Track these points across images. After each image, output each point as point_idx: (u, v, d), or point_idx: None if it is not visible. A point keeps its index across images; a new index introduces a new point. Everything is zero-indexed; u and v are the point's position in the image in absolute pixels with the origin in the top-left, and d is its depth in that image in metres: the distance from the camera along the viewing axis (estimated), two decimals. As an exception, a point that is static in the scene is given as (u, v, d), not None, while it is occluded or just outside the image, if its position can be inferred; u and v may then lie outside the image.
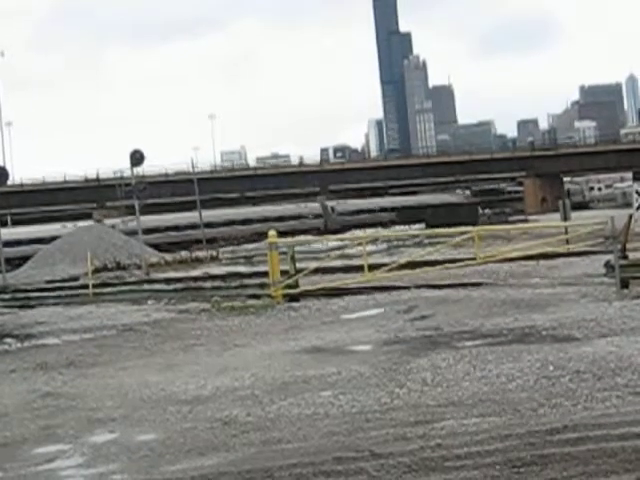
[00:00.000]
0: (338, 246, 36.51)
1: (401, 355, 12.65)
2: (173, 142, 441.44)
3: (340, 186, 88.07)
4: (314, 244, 37.95)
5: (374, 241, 39.67)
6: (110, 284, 27.91)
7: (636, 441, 7.56)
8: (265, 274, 23.13)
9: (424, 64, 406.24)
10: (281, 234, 23.55)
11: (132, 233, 45.41)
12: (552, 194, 78.86)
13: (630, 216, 21.56)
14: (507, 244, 30.12)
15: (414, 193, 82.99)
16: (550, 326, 14.11)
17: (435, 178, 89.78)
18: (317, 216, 69.43)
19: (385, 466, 7.44)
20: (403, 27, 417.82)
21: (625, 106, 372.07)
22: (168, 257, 43.05)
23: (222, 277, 28.62)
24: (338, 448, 8.10)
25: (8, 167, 47.18)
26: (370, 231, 51.01)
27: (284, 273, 21.69)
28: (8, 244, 41.46)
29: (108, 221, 59.16)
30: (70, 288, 27.45)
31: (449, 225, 31.42)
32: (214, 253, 44.22)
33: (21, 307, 23.93)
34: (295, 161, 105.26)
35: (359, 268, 23.36)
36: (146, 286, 26.35)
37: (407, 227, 59.32)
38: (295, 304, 20.31)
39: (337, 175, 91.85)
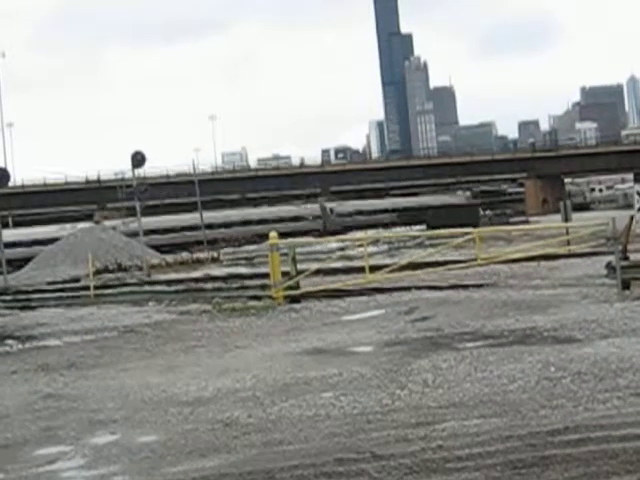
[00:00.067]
0: (339, 247, 36.55)
1: (402, 356, 12.65)
2: (174, 143, 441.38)
3: (341, 187, 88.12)
4: (315, 245, 37.98)
5: (375, 242, 39.68)
6: (111, 285, 27.96)
7: (637, 442, 7.56)
8: (266, 275, 23.14)
9: (425, 65, 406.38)
10: (280, 235, 23.53)
11: (133, 234, 45.46)
12: (553, 195, 78.86)
13: (631, 217, 21.58)
14: (508, 245, 30.10)
15: (415, 194, 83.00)
16: (551, 327, 14.10)
17: (436, 179, 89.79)
18: (316, 217, 69.45)
19: (386, 467, 7.44)
20: (404, 28, 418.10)
21: (626, 107, 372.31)
22: (169, 258, 43.07)
23: (223, 278, 28.66)
24: (339, 449, 8.10)
25: (9, 168, 47.20)
26: (371, 232, 51.02)
27: (285, 274, 21.69)
28: (9, 245, 41.49)
29: (109, 222, 59.20)
30: (71, 289, 27.48)
31: (450, 226, 31.41)
32: (215, 254, 44.23)
33: (22, 308, 23.95)
34: (296, 162, 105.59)
35: (360, 269, 23.37)
36: (147, 287, 26.41)
37: (408, 228, 59.40)
38: (296, 305, 20.31)
39: (338, 176, 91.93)
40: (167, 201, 75.70)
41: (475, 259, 22.20)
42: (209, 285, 25.09)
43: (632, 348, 11.71)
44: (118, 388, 12.02)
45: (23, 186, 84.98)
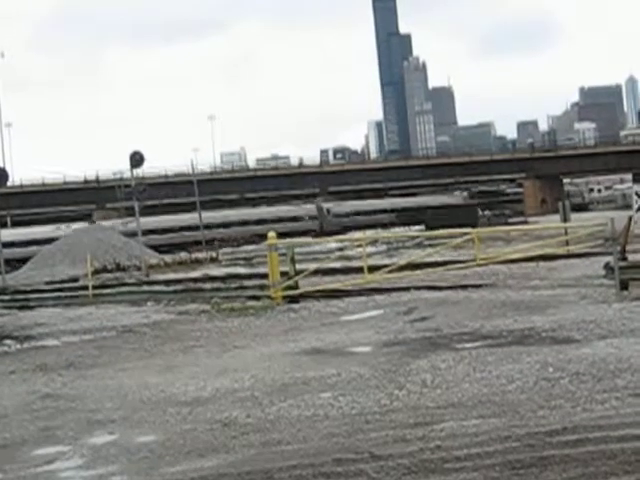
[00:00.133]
0: (338, 247, 36.54)
1: (401, 357, 12.65)
2: (173, 143, 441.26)
3: (340, 187, 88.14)
4: (314, 245, 37.98)
5: (374, 242, 39.68)
6: (110, 285, 27.96)
7: (636, 443, 7.56)
8: (265, 275, 23.15)
9: (424, 65, 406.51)
10: (279, 235, 23.55)
11: (132, 234, 45.44)
12: (552, 196, 78.89)
13: (630, 218, 21.57)
14: (507, 246, 30.09)
15: (414, 194, 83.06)
16: (550, 328, 14.11)
17: (435, 180, 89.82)
18: (313, 218, 69.40)
19: (385, 468, 7.44)
20: (403, 28, 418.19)
21: (625, 107, 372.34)
22: (168, 258, 43.08)
23: (222, 278, 28.66)
24: (338, 450, 8.10)
25: (8, 168, 47.28)
26: (370, 232, 51.03)
27: (284, 274, 21.69)
28: (7, 245, 41.47)
29: (107, 222, 59.17)
30: (70, 289, 27.48)
31: (449, 227, 31.43)
32: (214, 254, 44.23)
33: (21, 308, 23.94)
34: (295, 162, 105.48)
35: (359, 270, 23.36)
36: (146, 287, 26.41)
37: (407, 228, 59.42)
38: (295, 305, 20.30)
39: (337, 176, 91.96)
40: (166, 201, 75.72)
41: (474, 259, 22.21)
42: (208, 285, 25.09)
43: (630, 349, 11.71)
44: (116, 388, 12.02)
45: (22, 186, 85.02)
